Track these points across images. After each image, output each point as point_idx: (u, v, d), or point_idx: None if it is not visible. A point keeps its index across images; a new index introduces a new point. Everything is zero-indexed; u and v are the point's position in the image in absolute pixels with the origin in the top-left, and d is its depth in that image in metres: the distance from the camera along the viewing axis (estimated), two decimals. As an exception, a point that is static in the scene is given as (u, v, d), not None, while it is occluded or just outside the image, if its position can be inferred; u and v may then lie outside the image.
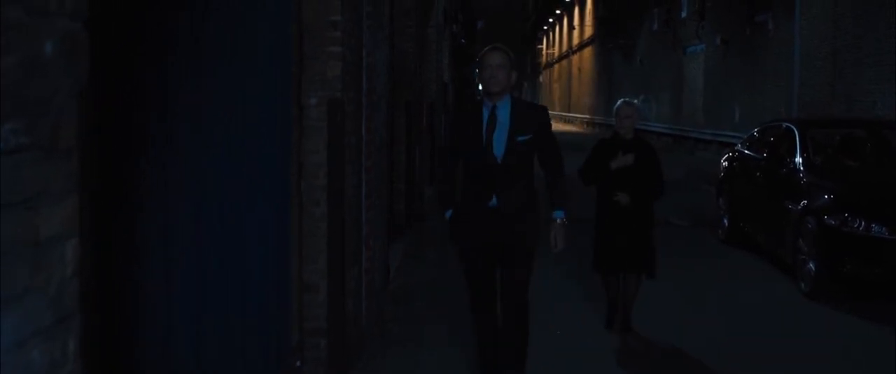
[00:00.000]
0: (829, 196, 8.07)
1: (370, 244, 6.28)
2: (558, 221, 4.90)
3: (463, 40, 31.34)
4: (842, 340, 6.74)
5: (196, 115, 3.67)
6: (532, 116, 4.93)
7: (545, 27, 78.03)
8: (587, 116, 51.14)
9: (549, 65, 76.40)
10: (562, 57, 66.41)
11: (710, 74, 27.58)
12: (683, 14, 30.54)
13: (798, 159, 9.12)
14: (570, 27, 61.14)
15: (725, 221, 10.84)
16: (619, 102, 6.60)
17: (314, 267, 4.96)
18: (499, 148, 4.78)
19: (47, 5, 1.52)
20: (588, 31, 52.75)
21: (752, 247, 10.05)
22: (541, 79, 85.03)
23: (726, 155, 11.87)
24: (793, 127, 9.81)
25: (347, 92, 5.19)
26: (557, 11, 66.75)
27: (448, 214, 5.00)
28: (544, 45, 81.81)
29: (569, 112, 59.18)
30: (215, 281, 3.98)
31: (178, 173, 3.64)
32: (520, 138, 4.78)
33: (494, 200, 4.80)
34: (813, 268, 7.88)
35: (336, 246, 4.94)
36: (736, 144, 12.39)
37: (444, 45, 19.46)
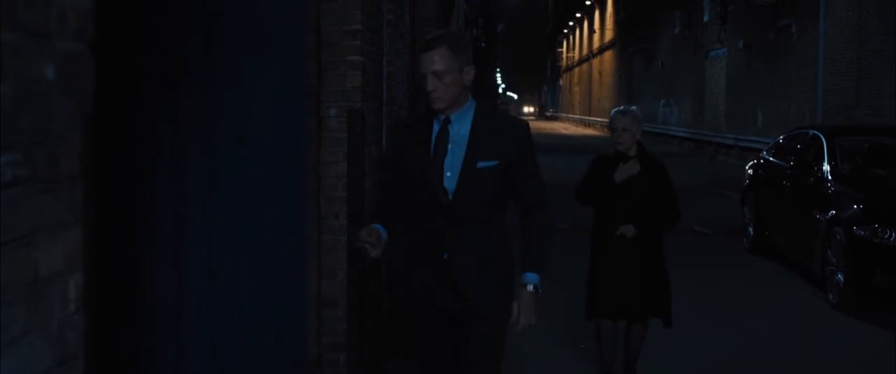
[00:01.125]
0: (858, 206, 7.92)
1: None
2: (529, 288, 3.45)
3: (483, 44, 31.27)
4: (871, 353, 6.59)
5: (208, 126, 3.57)
6: (504, 133, 3.47)
7: (565, 30, 77.83)
8: (607, 120, 50.94)
9: (570, 68, 76.19)
10: (582, 60, 66.21)
11: (733, 79, 27.36)
12: (705, 18, 30.33)
13: (826, 168, 8.97)
14: (591, 30, 60.95)
15: (750, 229, 10.69)
16: (613, 112, 5.37)
17: (333, 281, 4.87)
18: (451, 178, 3.41)
19: (48, 26, 1.42)
20: (609, 35, 52.56)
21: (778, 257, 9.89)
22: (561, 82, 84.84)
23: (751, 162, 11.72)
24: (820, 134, 9.65)
25: (367, 102, 5.10)
26: (578, 15, 66.55)
27: (376, 254, 3.50)
28: (564, 49, 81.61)
29: (589, 116, 58.97)
30: (230, 296, 3.89)
31: (189, 186, 3.55)
32: (481, 164, 3.40)
33: (446, 251, 3.44)
34: (842, 279, 7.73)
35: (356, 260, 4.84)
36: (759, 150, 12.24)
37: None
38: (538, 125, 66.61)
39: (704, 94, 30.73)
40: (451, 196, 3.41)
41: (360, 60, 4.90)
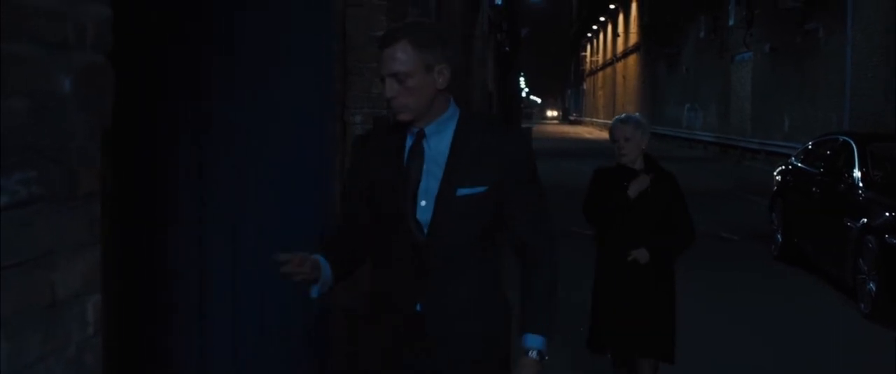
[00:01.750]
0: (890, 214, 7.78)
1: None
2: (532, 355, 2.66)
3: (507, 48, 31.21)
4: (905, 365, 6.47)
5: (232, 133, 3.53)
6: (494, 150, 2.65)
7: (589, 34, 77.65)
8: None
9: (594, 72, 75.99)
10: (606, 64, 66.00)
11: (759, 83, 27.14)
12: (731, 22, 30.12)
13: (856, 174, 8.83)
14: (615, 34, 60.75)
15: (779, 236, 10.54)
16: (613, 121, 4.75)
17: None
18: (425, 208, 2.63)
19: (66, 38, 1.36)
20: (633, 39, 52.36)
21: (807, 264, 9.75)
22: (585, 86, 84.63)
23: (780, 168, 11.58)
24: (850, 140, 9.51)
25: (393, 108, 5.04)
26: (602, 19, 66.37)
27: (314, 290, 2.60)
28: (588, 53, 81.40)
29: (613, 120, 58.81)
30: (254, 306, 3.84)
31: (214, 194, 3.51)
32: (463, 191, 2.61)
33: (419, 302, 2.66)
34: (873, 288, 7.59)
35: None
36: (786, 155, 12.11)
37: (488, 53, 19.35)
38: (562, 129, 66.44)
39: (730, 98, 30.52)
40: (425, 231, 2.62)
41: (386, 66, 4.84)
